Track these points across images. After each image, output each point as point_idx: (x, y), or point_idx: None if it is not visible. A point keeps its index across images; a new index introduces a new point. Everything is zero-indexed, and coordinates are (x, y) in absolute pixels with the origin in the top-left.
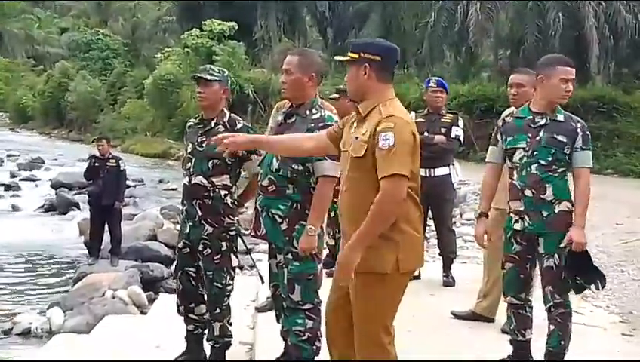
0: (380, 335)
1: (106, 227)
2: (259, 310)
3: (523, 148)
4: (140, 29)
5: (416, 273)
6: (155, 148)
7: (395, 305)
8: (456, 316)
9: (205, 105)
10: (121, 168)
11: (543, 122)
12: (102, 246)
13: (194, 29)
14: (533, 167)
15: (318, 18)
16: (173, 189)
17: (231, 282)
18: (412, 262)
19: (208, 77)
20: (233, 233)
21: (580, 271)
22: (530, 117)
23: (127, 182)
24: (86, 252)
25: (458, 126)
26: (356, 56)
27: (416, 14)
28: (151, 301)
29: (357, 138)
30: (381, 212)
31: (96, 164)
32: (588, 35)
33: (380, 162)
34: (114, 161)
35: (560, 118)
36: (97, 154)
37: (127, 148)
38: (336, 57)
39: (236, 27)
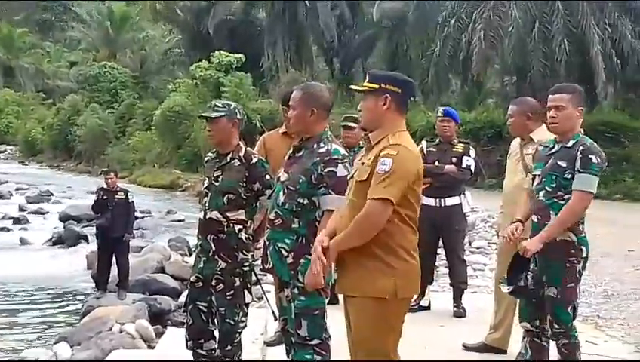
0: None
1: (114, 260)
2: (268, 344)
3: (538, 175)
4: (149, 61)
5: (425, 304)
6: (163, 179)
7: (395, 332)
8: (468, 348)
9: (215, 142)
10: (130, 200)
11: (554, 150)
12: (109, 280)
13: (202, 61)
14: (541, 193)
15: (325, 48)
16: (181, 221)
17: (243, 319)
18: (410, 287)
19: (214, 114)
20: (247, 269)
21: (512, 271)
22: (552, 145)
23: (135, 214)
24: (93, 285)
25: (469, 156)
26: (376, 86)
27: (422, 43)
28: (159, 334)
29: (363, 163)
30: (358, 230)
31: (105, 197)
32: (594, 60)
33: (373, 185)
34: (122, 193)
35: (569, 144)
36: (105, 186)
37: (135, 180)
38: (353, 87)
39: (244, 58)
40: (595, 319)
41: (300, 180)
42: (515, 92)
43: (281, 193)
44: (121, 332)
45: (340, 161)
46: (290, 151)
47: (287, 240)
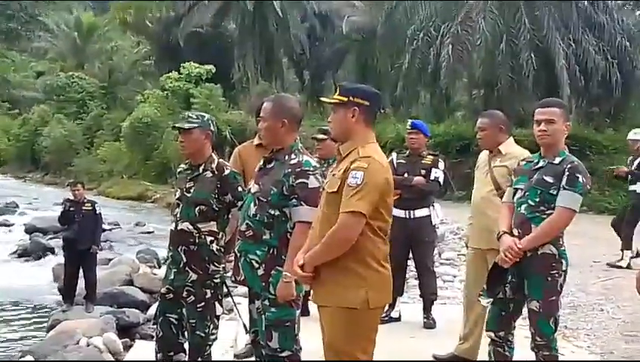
0: None
1: (81, 272)
2: (237, 357)
3: (521, 189)
4: (117, 71)
5: (396, 315)
6: (132, 190)
7: (367, 341)
8: (437, 359)
9: (187, 153)
10: (97, 212)
11: (540, 165)
12: (76, 293)
13: (172, 72)
14: (523, 206)
15: (295, 60)
16: (150, 232)
17: (214, 331)
18: (381, 297)
19: (186, 125)
20: (218, 280)
21: (491, 282)
22: (537, 160)
23: (103, 226)
24: (60, 298)
25: (438, 168)
26: (345, 99)
27: (392, 56)
28: (127, 348)
29: (334, 175)
30: (331, 243)
31: (71, 209)
32: (559, 75)
33: (345, 198)
34: (89, 204)
35: (557, 160)
36: (72, 198)
37: (103, 191)
38: (323, 99)
39: (214, 70)
40: (562, 330)
41: (272, 191)
42: (483, 105)
43: (252, 204)
44: (88, 345)
45: (311, 173)
46: (261, 162)
47: (259, 252)
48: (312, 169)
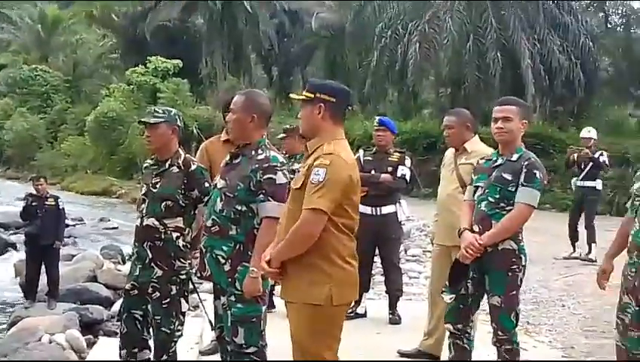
0: None
1: (43, 268)
2: (202, 353)
3: (481, 186)
4: (82, 65)
5: (362, 311)
6: (96, 185)
7: (332, 338)
8: (403, 354)
9: (154, 148)
10: (60, 207)
11: (499, 162)
12: (39, 289)
13: (138, 66)
14: (483, 203)
15: (263, 55)
16: (114, 228)
17: (180, 328)
18: (346, 294)
19: (152, 120)
20: (184, 277)
21: (453, 278)
22: (495, 158)
23: (67, 221)
24: (22, 295)
25: (405, 165)
26: (312, 95)
27: (360, 53)
28: (90, 345)
29: (299, 171)
30: (293, 240)
31: (34, 203)
32: (524, 74)
33: (307, 195)
34: (52, 199)
35: (514, 157)
36: (34, 193)
37: (67, 186)
38: (292, 95)
39: (181, 65)
40: (524, 325)
41: (238, 187)
42: (450, 103)
43: (219, 200)
44: (50, 342)
45: (279, 168)
46: (228, 158)
47: (225, 248)
48: (279, 164)
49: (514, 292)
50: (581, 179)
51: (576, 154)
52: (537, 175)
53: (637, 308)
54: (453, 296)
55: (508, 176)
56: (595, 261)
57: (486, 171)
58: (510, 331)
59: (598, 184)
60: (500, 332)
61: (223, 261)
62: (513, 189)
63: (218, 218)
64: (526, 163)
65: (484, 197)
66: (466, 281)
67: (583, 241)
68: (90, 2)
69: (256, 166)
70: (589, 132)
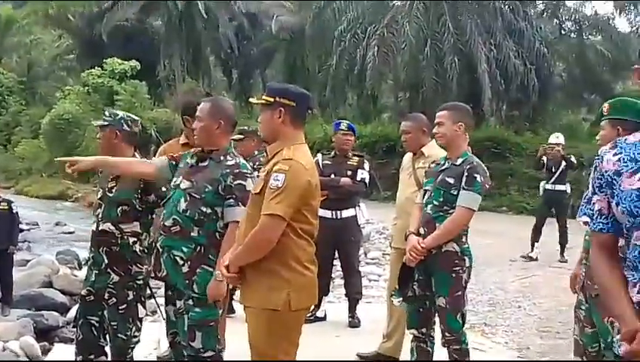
0: None
1: None
2: (161, 358)
3: (428, 190)
4: (37, 66)
5: (321, 314)
6: (52, 189)
7: (290, 343)
8: (362, 357)
9: (103, 152)
10: (13, 211)
11: (444, 167)
12: None
13: (95, 68)
14: (429, 206)
15: (223, 58)
16: (70, 233)
17: (137, 334)
18: (304, 300)
19: (98, 122)
20: (140, 282)
21: (401, 281)
22: (443, 162)
23: (21, 226)
24: None
25: (364, 169)
26: (271, 100)
27: (320, 57)
28: (45, 352)
29: (259, 176)
30: (251, 245)
31: None
32: (481, 79)
33: (265, 200)
34: (5, 203)
35: (458, 161)
36: None
37: (21, 190)
38: (251, 100)
39: (139, 67)
40: (481, 326)
41: (206, 189)
42: (409, 107)
43: (183, 200)
44: (4, 350)
45: (248, 175)
46: (192, 160)
47: (185, 249)
48: (249, 172)
49: (459, 293)
50: (552, 183)
51: (545, 158)
52: (478, 179)
53: (587, 306)
54: (401, 299)
55: (450, 180)
56: (567, 261)
57: (434, 175)
58: (458, 331)
59: (568, 187)
60: (447, 334)
61: (181, 262)
62: (455, 193)
63: (180, 218)
64: (468, 167)
65: (430, 201)
66: (413, 284)
67: (542, 243)
68: (46, 2)
69: (227, 171)
70: (557, 138)
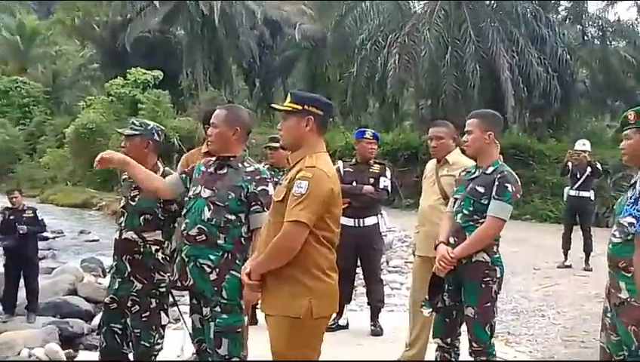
0: None
1: (22, 282)
2: None
3: (458, 199)
4: (61, 76)
5: (343, 323)
6: (76, 198)
7: (312, 350)
8: None
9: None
10: (39, 218)
11: (475, 175)
12: (17, 302)
13: (118, 78)
14: (459, 216)
15: (244, 67)
16: (94, 241)
17: (159, 341)
18: (326, 307)
19: (127, 132)
20: (163, 290)
21: (431, 292)
22: (473, 170)
23: (46, 234)
24: (0, 308)
25: (386, 176)
26: (299, 107)
27: (341, 65)
28: (70, 359)
29: (281, 184)
30: (273, 252)
31: (12, 217)
32: (503, 86)
33: (289, 207)
34: (30, 211)
35: (489, 170)
36: (11, 206)
37: (46, 199)
38: (275, 106)
39: (161, 76)
40: (505, 335)
41: (230, 196)
42: (430, 115)
43: (206, 209)
44: (30, 357)
45: (269, 181)
46: (210, 168)
47: (212, 256)
48: (269, 177)
49: (488, 304)
50: (576, 189)
51: (570, 164)
52: (509, 188)
53: (611, 313)
54: (431, 309)
55: (481, 189)
56: (592, 270)
57: (464, 183)
58: (485, 343)
59: (592, 194)
60: (474, 344)
61: (209, 270)
62: (486, 202)
63: (205, 227)
64: (499, 176)
65: (460, 210)
66: (443, 294)
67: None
68: (71, 8)
69: (249, 177)
70: (583, 145)
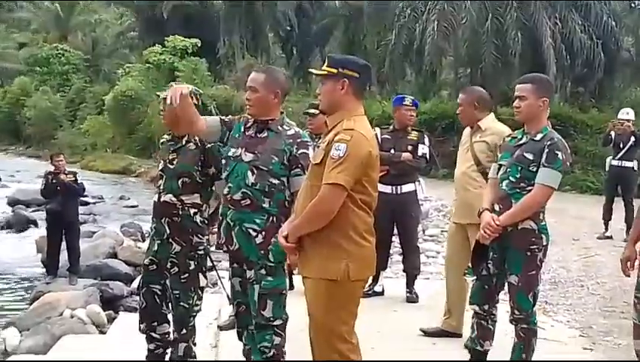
0: (335, 342)
1: (64, 245)
2: (221, 328)
3: (504, 165)
4: (101, 44)
5: (379, 289)
6: (116, 164)
7: (349, 313)
8: (425, 333)
9: (166, 123)
10: (79, 182)
11: (522, 141)
12: (60, 265)
13: (156, 45)
14: (504, 183)
15: (281, 35)
16: (134, 206)
17: (198, 302)
18: (362, 270)
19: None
20: (202, 252)
21: (475, 259)
22: (520, 136)
23: (87, 199)
24: (43, 270)
25: (424, 144)
26: (335, 71)
27: (379, 33)
28: (110, 320)
29: (319, 147)
30: (311, 215)
31: (54, 181)
32: (545, 54)
33: (327, 170)
34: (71, 175)
35: (538, 137)
36: (53, 170)
37: (86, 165)
38: (312, 70)
39: (199, 44)
40: (542, 305)
41: (273, 160)
42: (469, 83)
43: (250, 173)
44: (72, 317)
45: (310, 144)
46: (251, 131)
47: (258, 220)
48: (309, 140)
49: (533, 272)
50: (618, 159)
51: (613, 133)
52: (559, 156)
53: None
54: (475, 277)
55: (530, 156)
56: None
57: (510, 150)
58: (527, 311)
59: (635, 164)
60: (516, 311)
61: (254, 233)
62: (534, 169)
63: (250, 191)
64: (549, 143)
65: (506, 176)
66: (487, 262)
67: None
68: None
69: (290, 141)
70: (627, 114)
